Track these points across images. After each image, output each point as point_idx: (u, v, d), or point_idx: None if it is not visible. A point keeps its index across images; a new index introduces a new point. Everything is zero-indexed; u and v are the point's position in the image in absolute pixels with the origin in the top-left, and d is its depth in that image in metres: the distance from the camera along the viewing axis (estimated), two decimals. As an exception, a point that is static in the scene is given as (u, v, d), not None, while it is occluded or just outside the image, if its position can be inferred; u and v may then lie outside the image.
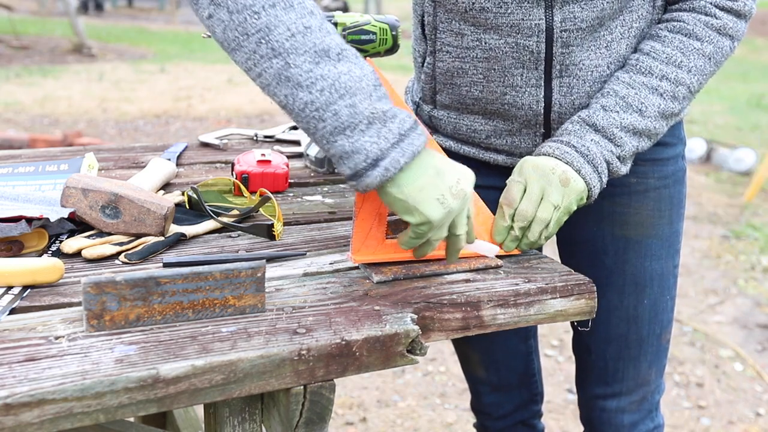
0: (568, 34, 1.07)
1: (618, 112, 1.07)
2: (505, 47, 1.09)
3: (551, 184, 1.02)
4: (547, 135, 1.15)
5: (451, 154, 1.25)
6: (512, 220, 1.02)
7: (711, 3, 1.10)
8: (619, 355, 1.27)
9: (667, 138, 1.19)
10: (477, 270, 0.98)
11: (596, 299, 0.97)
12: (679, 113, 1.12)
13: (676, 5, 1.13)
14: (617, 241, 1.22)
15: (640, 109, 1.07)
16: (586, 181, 1.04)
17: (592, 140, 1.06)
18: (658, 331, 1.27)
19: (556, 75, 1.10)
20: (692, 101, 1.13)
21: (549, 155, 1.06)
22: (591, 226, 1.23)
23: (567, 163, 1.04)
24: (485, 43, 1.10)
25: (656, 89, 1.08)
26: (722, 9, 1.10)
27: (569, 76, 1.10)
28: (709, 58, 1.10)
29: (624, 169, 1.09)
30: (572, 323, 1.30)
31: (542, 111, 1.12)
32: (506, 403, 1.45)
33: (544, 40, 1.07)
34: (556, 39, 1.07)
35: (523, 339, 1.42)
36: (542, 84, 1.11)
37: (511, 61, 1.09)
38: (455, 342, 1.44)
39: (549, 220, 1.02)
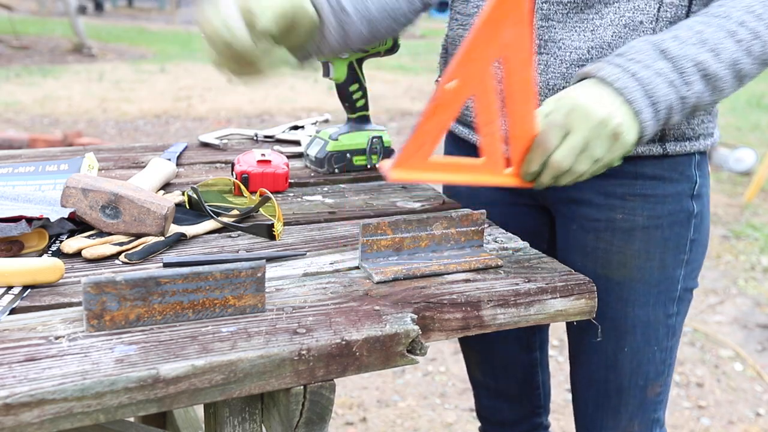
0: (549, 6, 1.05)
1: (693, 45, 0.93)
2: None
3: (599, 137, 0.90)
4: None
5: (453, 136, 1.27)
6: (542, 167, 0.92)
7: None
8: (599, 401, 1.21)
9: (665, 171, 1.09)
10: (477, 270, 0.98)
11: (596, 299, 0.97)
12: (744, 79, 0.97)
13: None
14: (599, 280, 1.09)
15: (714, 49, 0.93)
16: (641, 127, 0.92)
17: (658, 71, 0.92)
18: (641, 383, 1.18)
19: (535, 50, 1.06)
20: (758, 73, 0.99)
21: (605, 81, 0.92)
22: (576, 260, 1.16)
23: (627, 101, 0.90)
24: (481, 10, 1.09)
25: (733, 34, 0.94)
26: None
27: (547, 53, 1.06)
28: None
29: (676, 118, 0.95)
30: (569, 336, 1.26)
31: None
32: (505, 411, 1.42)
33: None
34: (537, 9, 1.05)
35: (526, 349, 1.37)
36: None
37: None
38: (460, 340, 1.43)
39: (584, 173, 0.92)
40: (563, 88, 1.06)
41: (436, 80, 1.25)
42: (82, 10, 16.80)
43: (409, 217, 0.99)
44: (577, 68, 1.06)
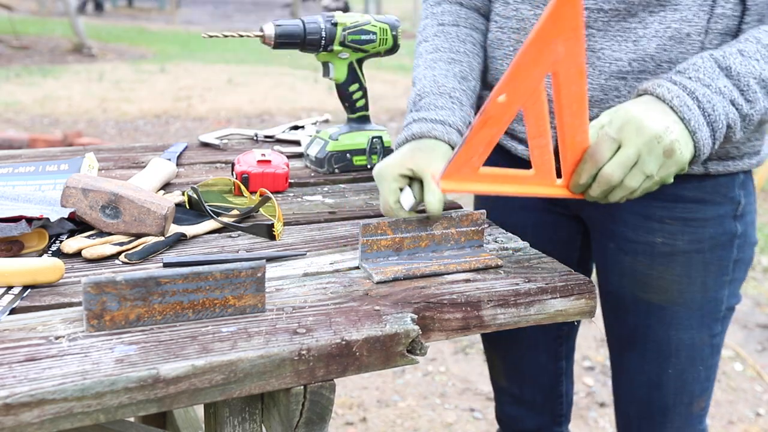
0: (589, 13, 1.00)
1: (758, 60, 0.90)
2: (533, 19, 1.05)
3: (652, 152, 0.87)
4: None
5: (497, 146, 1.26)
6: (593, 179, 0.90)
7: None
8: (642, 417, 1.19)
9: (707, 194, 1.06)
10: (477, 270, 0.98)
11: (596, 299, 0.97)
12: None
13: None
14: (639, 303, 1.11)
15: None
16: (697, 146, 0.89)
17: (719, 90, 0.90)
18: (687, 401, 1.15)
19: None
20: None
21: (662, 99, 0.90)
22: (614, 280, 1.14)
23: (683, 120, 0.89)
24: (520, 13, 1.07)
25: None
26: None
27: (585, 63, 1.01)
28: None
29: (739, 134, 0.93)
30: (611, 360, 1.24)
31: None
32: (527, 419, 1.40)
33: None
34: None
35: (554, 358, 1.36)
36: None
37: None
38: (485, 346, 1.42)
39: (636, 188, 0.90)
40: (601, 100, 1.03)
41: None
42: (82, 7, 16.81)
43: (409, 218, 0.99)
44: (616, 80, 1.02)
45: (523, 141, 1.13)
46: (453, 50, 1.14)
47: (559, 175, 0.94)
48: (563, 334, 1.35)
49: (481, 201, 1.32)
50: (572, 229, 1.25)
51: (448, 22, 1.16)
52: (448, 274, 0.97)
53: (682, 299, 1.09)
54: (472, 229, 1.03)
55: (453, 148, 1.04)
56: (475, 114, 1.08)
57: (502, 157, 1.16)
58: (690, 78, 0.91)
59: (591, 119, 1.00)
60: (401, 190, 1.02)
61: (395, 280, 0.94)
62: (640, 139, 0.87)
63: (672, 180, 0.91)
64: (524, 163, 1.07)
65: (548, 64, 0.84)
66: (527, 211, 1.21)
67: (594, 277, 1.32)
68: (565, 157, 0.92)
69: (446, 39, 1.15)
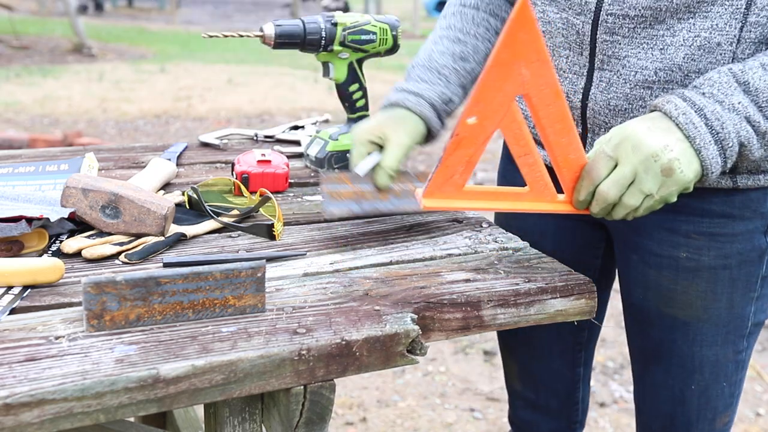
0: (614, 19, 0.97)
1: None
2: (558, 23, 1.04)
3: (649, 171, 0.86)
4: (584, 133, 1.06)
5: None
6: (591, 196, 0.90)
7: None
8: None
9: (735, 209, 1.02)
10: (477, 270, 0.98)
11: (596, 299, 0.97)
12: None
13: None
14: (663, 317, 1.08)
15: None
16: (704, 165, 0.86)
17: (733, 107, 0.86)
18: (710, 416, 1.13)
19: (597, 66, 1.01)
20: None
21: (668, 115, 0.88)
22: (638, 293, 1.11)
23: (687, 138, 0.86)
24: (546, 16, 1.06)
25: None
26: None
27: (610, 71, 1.00)
28: None
29: (758, 153, 0.89)
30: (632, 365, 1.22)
31: (579, 104, 1.04)
32: (541, 424, 1.38)
33: (590, 21, 0.99)
34: (602, 22, 0.98)
35: (571, 365, 1.33)
36: (585, 73, 1.03)
37: (561, 39, 1.05)
38: (502, 350, 1.40)
39: (636, 207, 0.88)
40: (625, 110, 1.01)
41: None
42: (83, 9, 16.81)
43: (359, 173, 1.08)
44: (642, 90, 0.99)
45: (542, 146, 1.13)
46: (464, 31, 1.16)
47: (561, 191, 0.94)
48: (583, 341, 1.33)
49: None
50: (595, 236, 1.22)
51: (469, 4, 1.19)
52: (400, 214, 1.10)
53: (706, 315, 1.06)
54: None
55: (423, 121, 1.10)
56: (462, 92, 1.15)
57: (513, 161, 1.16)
58: (703, 94, 0.88)
59: None
60: (369, 154, 1.07)
61: (348, 217, 1.07)
62: (635, 158, 0.86)
63: (674, 199, 0.89)
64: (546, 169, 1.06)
65: (515, 86, 0.85)
66: (549, 216, 1.21)
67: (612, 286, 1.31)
68: (561, 174, 0.92)
69: (461, 18, 1.18)
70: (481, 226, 1.15)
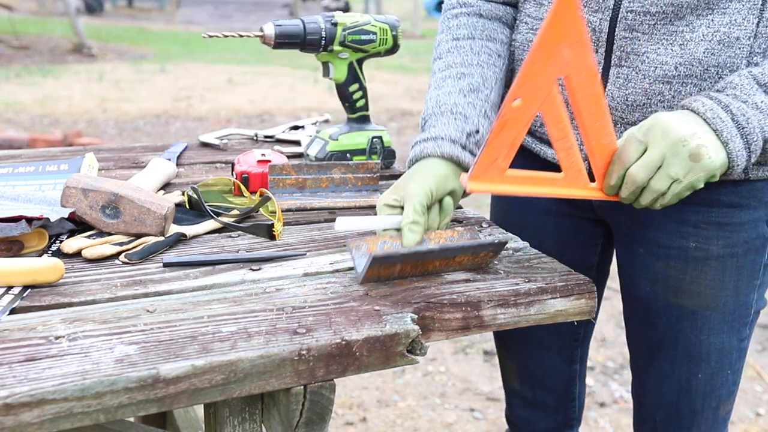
0: (634, 16, 0.99)
1: None
2: None
3: (677, 155, 0.89)
4: None
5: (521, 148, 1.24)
6: (621, 181, 0.93)
7: None
8: (669, 421, 1.18)
9: (743, 199, 1.05)
10: (477, 270, 0.98)
11: (596, 299, 0.97)
12: None
13: None
14: (671, 308, 1.10)
15: None
16: (730, 157, 0.90)
17: (756, 105, 0.91)
18: (714, 405, 1.15)
19: (615, 62, 1.02)
20: None
21: (696, 112, 0.92)
22: (645, 286, 1.13)
23: (715, 131, 0.90)
24: (537, 31, 1.05)
25: None
26: None
27: (628, 67, 1.01)
28: None
29: None
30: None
31: None
32: (539, 421, 1.39)
33: (608, 19, 1.00)
34: (621, 19, 0.99)
35: (568, 362, 1.35)
36: (600, 70, 1.03)
37: None
38: (498, 348, 1.41)
39: (664, 191, 0.91)
40: (644, 105, 1.02)
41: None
42: (89, 9, 16.81)
43: (311, 163, 1.12)
44: (661, 85, 1.00)
45: (551, 144, 1.12)
46: (465, 64, 1.12)
47: (592, 179, 0.96)
48: (579, 337, 1.34)
49: (496, 205, 1.32)
50: (594, 232, 1.23)
51: (463, 36, 1.14)
52: (338, 209, 1.14)
53: (714, 304, 1.08)
54: (368, 175, 1.21)
55: (450, 161, 1.03)
56: (487, 120, 1.08)
57: (531, 162, 1.14)
58: (727, 95, 0.93)
59: (632, 124, 1.02)
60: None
61: (289, 210, 1.13)
62: (665, 142, 0.89)
63: (702, 185, 0.92)
64: (553, 167, 1.06)
65: (557, 67, 0.86)
66: (547, 215, 1.21)
67: (606, 281, 1.32)
68: (594, 159, 0.94)
69: (459, 53, 1.13)
70: (481, 226, 1.15)
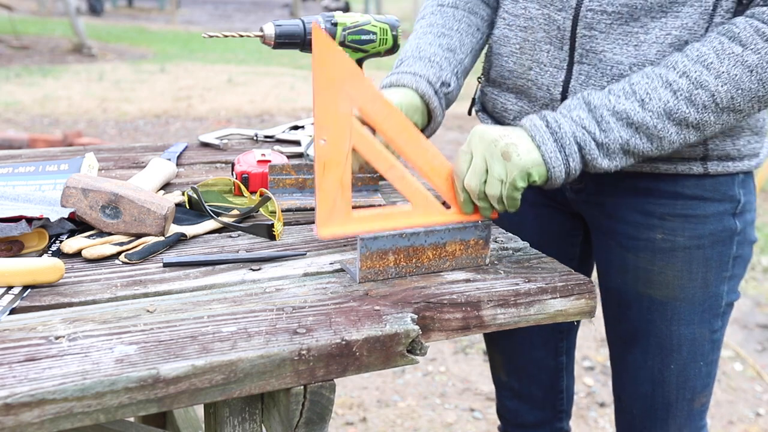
0: (593, 14, 1.02)
1: (619, 96, 0.96)
2: (540, 18, 1.08)
3: (493, 156, 0.95)
4: None
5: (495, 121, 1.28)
6: (464, 192, 0.98)
7: None
8: (645, 414, 1.21)
9: (706, 192, 1.08)
10: (477, 270, 0.98)
11: (596, 299, 0.97)
12: (699, 126, 0.96)
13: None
14: (641, 298, 1.13)
15: (642, 99, 0.95)
16: (544, 158, 0.96)
17: (572, 118, 0.97)
18: (689, 396, 1.17)
19: (577, 59, 1.05)
20: (723, 120, 0.96)
21: (518, 126, 1.00)
22: (616, 276, 1.16)
23: (530, 137, 0.97)
24: (528, 12, 1.10)
25: (671, 84, 0.95)
26: None
27: (588, 64, 1.04)
28: (750, 71, 0.92)
29: (605, 162, 0.97)
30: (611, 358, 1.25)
31: (559, 96, 1.08)
32: (526, 413, 1.41)
33: (571, 17, 1.04)
34: (581, 17, 1.03)
35: (553, 354, 1.37)
36: (565, 67, 1.06)
37: (543, 34, 1.08)
38: (486, 341, 1.43)
39: (498, 195, 0.96)
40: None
41: (478, 78, 1.26)
42: (94, 9, 16.80)
43: (311, 162, 1.10)
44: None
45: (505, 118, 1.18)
46: (446, 26, 1.18)
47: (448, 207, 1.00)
48: (564, 329, 1.36)
49: None
50: (574, 224, 1.26)
51: (448, 4, 1.20)
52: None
53: (683, 294, 1.11)
54: (368, 175, 1.22)
55: (421, 97, 1.09)
56: (456, 81, 1.15)
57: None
58: (553, 110, 1.02)
59: None
60: None
61: (289, 210, 1.13)
62: (481, 146, 0.96)
63: (522, 183, 0.96)
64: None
65: (347, 101, 0.87)
66: (527, 204, 1.23)
67: (594, 275, 1.33)
68: (435, 184, 0.98)
69: (441, 16, 1.19)
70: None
